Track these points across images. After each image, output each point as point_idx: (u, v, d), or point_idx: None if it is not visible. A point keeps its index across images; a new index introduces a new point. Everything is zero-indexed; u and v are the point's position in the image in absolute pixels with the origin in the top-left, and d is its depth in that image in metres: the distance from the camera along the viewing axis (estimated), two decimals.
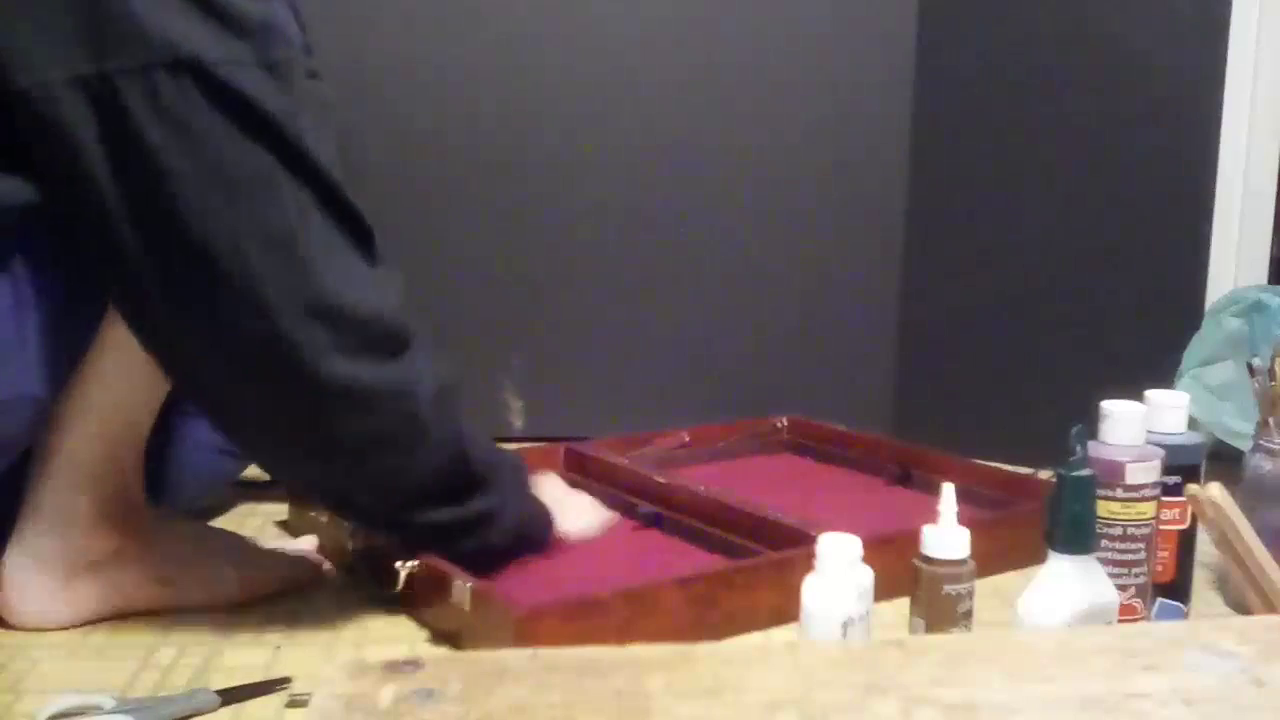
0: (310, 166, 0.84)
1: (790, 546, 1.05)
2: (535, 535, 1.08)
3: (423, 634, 0.98)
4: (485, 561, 1.00)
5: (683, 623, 0.96)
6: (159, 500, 1.07)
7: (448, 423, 0.94)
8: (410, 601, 1.01)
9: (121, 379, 0.94)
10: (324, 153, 0.85)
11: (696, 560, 1.12)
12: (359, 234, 0.88)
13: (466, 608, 0.93)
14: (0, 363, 0.87)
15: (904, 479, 1.38)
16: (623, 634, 0.92)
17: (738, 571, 1.02)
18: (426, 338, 0.93)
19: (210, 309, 0.83)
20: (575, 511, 1.15)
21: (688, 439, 1.49)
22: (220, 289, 0.82)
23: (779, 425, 1.55)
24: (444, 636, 0.97)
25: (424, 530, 0.97)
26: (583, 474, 1.36)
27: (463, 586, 0.93)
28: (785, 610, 0.92)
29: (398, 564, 0.99)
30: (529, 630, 0.88)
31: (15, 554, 0.95)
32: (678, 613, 0.96)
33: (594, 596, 0.93)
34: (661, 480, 1.26)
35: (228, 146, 0.81)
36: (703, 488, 1.23)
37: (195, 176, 0.81)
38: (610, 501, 1.26)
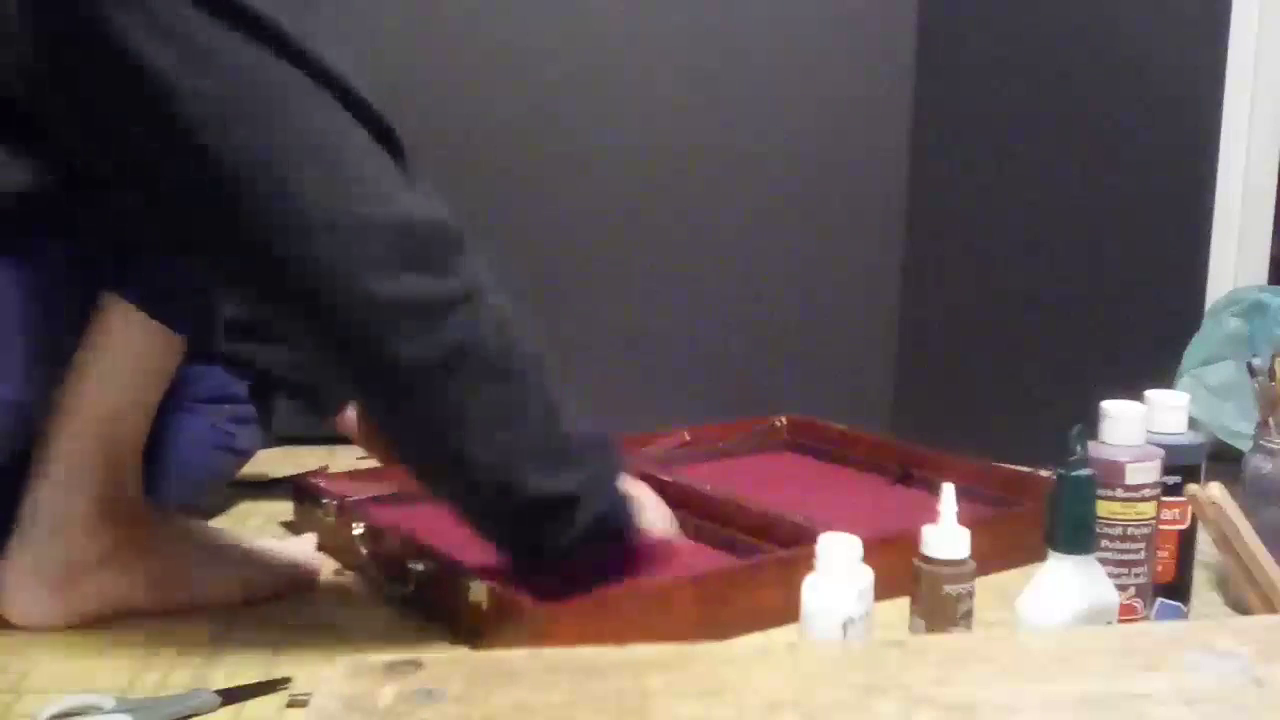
0: (323, 70, 0.81)
1: (797, 544, 1.04)
2: (616, 532, 0.97)
3: (424, 634, 0.98)
4: (552, 555, 0.93)
5: (695, 621, 0.96)
6: (158, 497, 1.07)
7: (518, 353, 0.88)
8: (424, 602, 1.00)
9: (118, 379, 0.94)
10: (339, 59, 0.82)
11: (703, 559, 1.12)
12: (390, 144, 0.85)
13: (484, 607, 0.93)
14: None
15: (904, 478, 1.38)
16: (638, 633, 0.91)
17: (749, 570, 1.01)
18: (481, 256, 0.88)
19: (246, 237, 0.80)
20: (651, 508, 1.06)
21: (688, 438, 1.49)
22: (255, 211, 0.79)
23: (778, 424, 1.55)
24: (460, 636, 0.96)
25: (494, 498, 0.89)
26: None
27: (480, 586, 0.93)
28: (796, 608, 0.92)
29: (410, 563, 0.99)
30: (548, 630, 0.88)
31: (15, 554, 0.95)
32: (691, 611, 0.96)
33: (610, 595, 0.93)
34: (667, 479, 1.26)
35: (240, 58, 0.79)
36: (709, 486, 1.23)
37: (212, 95, 0.78)
38: None
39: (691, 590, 0.97)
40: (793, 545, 1.05)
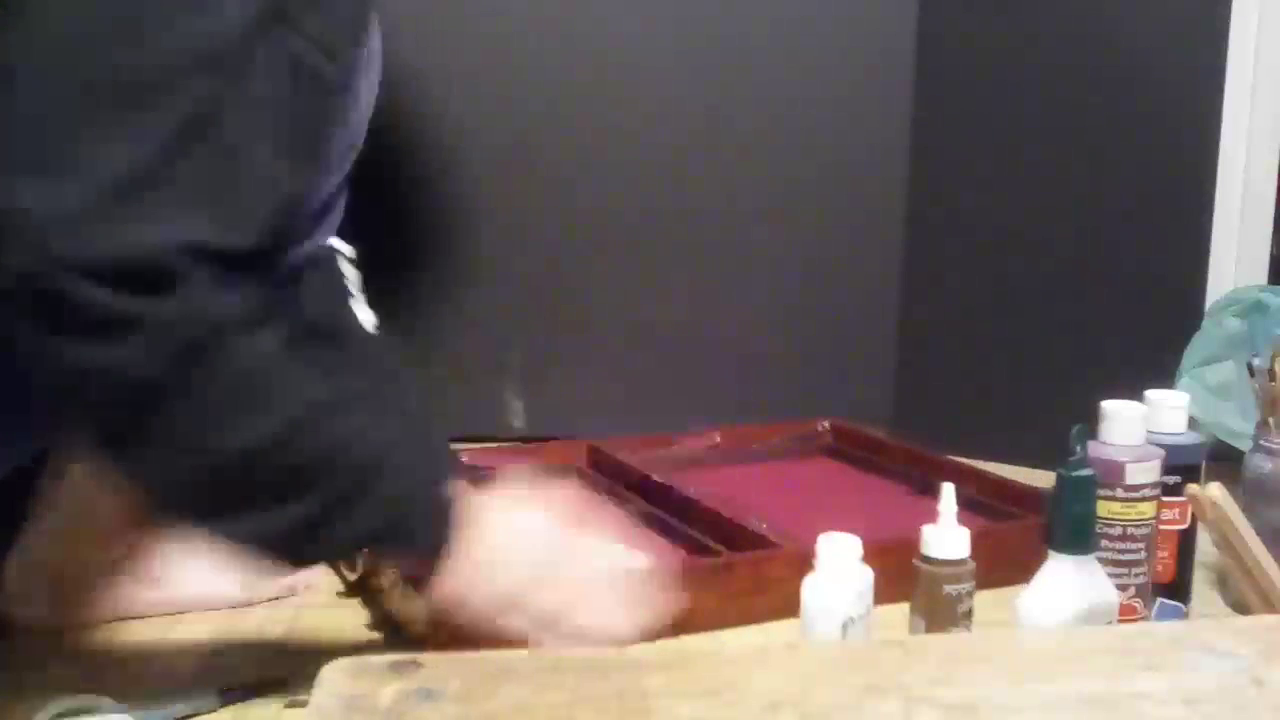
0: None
1: (754, 549, 1.04)
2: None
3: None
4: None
5: None
6: None
7: (221, 393, 0.72)
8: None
9: None
10: None
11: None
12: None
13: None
14: None
15: (925, 490, 1.35)
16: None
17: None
18: (260, 307, 0.73)
19: None
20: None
21: (718, 439, 1.49)
22: None
23: (821, 429, 1.54)
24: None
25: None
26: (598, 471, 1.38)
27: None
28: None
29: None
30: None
31: (23, 556, 0.94)
32: None
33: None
34: (659, 479, 1.26)
35: None
36: (693, 490, 1.21)
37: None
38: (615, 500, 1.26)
39: None
40: (748, 550, 1.05)
